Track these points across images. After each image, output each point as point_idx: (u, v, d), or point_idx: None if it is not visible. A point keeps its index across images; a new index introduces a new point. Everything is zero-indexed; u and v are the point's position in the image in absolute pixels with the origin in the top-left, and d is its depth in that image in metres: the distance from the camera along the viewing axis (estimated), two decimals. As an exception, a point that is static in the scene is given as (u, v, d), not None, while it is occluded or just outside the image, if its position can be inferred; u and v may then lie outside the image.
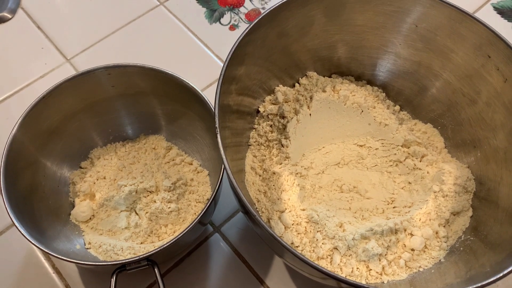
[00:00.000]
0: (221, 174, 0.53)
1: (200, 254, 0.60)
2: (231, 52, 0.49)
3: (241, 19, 0.80)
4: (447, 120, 0.60)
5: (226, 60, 0.48)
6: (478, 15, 0.52)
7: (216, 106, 0.46)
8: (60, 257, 0.48)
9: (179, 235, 0.49)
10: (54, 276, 0.59)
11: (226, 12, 0.81)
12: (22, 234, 0.49)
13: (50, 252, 0.48)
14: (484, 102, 0.55)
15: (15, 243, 0.61)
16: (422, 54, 0.58)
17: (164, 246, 0.48)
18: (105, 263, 0.50)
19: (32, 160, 0.56)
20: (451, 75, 0.58)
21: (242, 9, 0.81)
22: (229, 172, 0.43)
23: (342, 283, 0.41)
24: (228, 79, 0.49)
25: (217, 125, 0.45)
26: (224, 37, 0.78)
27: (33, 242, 0.48)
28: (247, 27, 0.50)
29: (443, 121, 0.60)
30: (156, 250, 0.48)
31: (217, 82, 0.73)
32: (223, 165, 0.52)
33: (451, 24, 0.54)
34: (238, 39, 0.49)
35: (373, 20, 0.58)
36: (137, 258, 0.48)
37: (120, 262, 0.48)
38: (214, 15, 0.80)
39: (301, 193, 0.55)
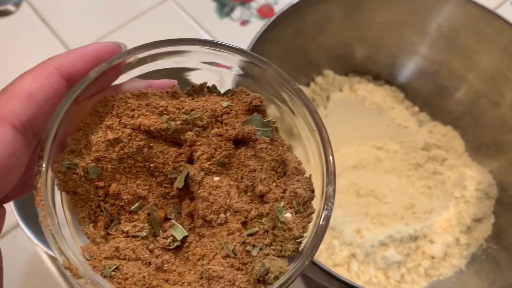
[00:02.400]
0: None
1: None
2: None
3: (253, 14, 0.78)
4: (468, 123, 0.58)
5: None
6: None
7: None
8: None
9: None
10: (60, 280, 0.57)
11: (236, 6, 0.78)
12: (27, 235, 0.47)
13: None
14: (508, 105, 0.53)
15: (19, 245, 0.58)
16: (444, 54, 0.56)
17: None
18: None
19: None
20: (474, 77, 0.55)
21: (253, 4, 0.79)
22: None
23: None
24: (245, 78, 0.47)
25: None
26: (235, 33, 0.76)
27: (38, 244, 0.47)
28: (265, 24, 0.48)
29: (463, 123, 0.59)
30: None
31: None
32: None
33: (475, 23, 0.52)
34: (255, 37, 0.47)
35: (394, 18, 0.56)
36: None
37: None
38: (224, 10, 0.78)
39: (317, 197, 0.53)
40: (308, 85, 0.59)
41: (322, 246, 0.50)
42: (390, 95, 0.59)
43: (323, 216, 0.22)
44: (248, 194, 0.24)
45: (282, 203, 0.23)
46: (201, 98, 0.24)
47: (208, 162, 0.23)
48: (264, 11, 0.78)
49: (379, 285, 0.50)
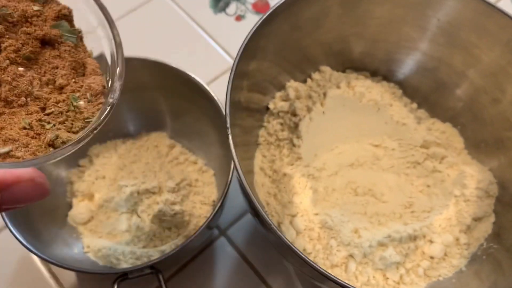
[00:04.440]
0: (231, 176, 0.49)
1: (205, 258, 0.57)
2: (243, 45, 0.45)
3: (248, 9, 0.76)
4: (467, 119, 0.57)
5: (238, 54, 0.44)
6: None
7: (227, 103, 0.43)
8: (58, 263, 0.45)
9: (186, 241, 0.45)
10: (51, 281, 0.56)
11: (231, 1, 0.77)
12: (17, 238, 0.46)
13: (47, 259, 0.45)
14: (509, 102, 0.52)
15: (8, 245, 0.57)
16: (444, 49, 0.55)
17: (170, 254, 0.45)
18: (106, 272, 0.46)
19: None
20: (474, 72, 0.54)
21: (248, -1, 0.77)
22: (240, 173, 0.40)
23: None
24: (240, 74, 0.46)
25: (228, 125, 0.41)
26: (230, 28, 0.74)
27: (28, 247, 0.45)
28: (261, 18, 0.47)
29: (462, 120, 0.57)
30: (161, 258, 0.45)
31: (223, 76, 0.70)
32: (232, 166, 0.49)
33: (477, 18, 0.50)
34: (250, 31, 0.46)
35: (392, 12, 0.54)
36: (140, 266, 0.45)
37: (122, 270, 0.45)
38: (219, 5, 0.76)
39: (314, 196, 0.52)
40: (304, 81, 0.58)
41: (319, 246, 0.49)
42: (388, 91, 0.58)
43: (108, 103, 0.28)
44: (50, 87, 0.28)
45: (78, 94, 0.28)
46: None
47: (14, 54, 0.26)
48: (260, 6, 0.76)
49: (377, 286, 0.49)
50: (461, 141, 0.57)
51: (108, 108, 0.28)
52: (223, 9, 0.76)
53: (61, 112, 0.27)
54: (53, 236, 0.52)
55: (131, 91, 0.58)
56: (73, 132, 0.27)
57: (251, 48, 0.47)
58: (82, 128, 0.28)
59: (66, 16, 0.28)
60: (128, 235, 0.54)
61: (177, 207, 0.54)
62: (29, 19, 0.27)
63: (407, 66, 0.59)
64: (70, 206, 0.56)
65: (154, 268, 0.46)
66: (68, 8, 0.28)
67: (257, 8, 0.76)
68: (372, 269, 0.49)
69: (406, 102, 0.59)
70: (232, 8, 0.76)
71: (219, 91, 0.54)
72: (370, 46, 0.58)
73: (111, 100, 0.28)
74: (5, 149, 0.25)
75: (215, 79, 0.69)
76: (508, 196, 0.52)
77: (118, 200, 0.55)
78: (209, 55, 0.72)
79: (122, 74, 0.29)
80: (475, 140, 0.56)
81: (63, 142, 0.26)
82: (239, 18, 0.75)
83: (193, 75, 0.54)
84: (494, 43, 0.51)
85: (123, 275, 0.45)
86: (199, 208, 0.56)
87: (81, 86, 0.28)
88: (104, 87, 0.29)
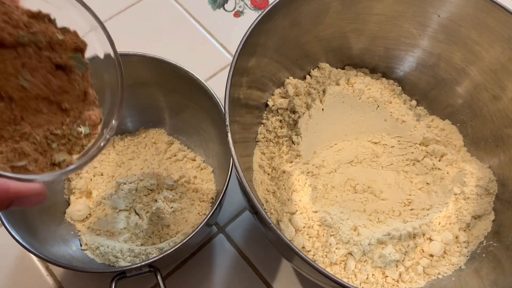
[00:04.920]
0: (229, 173, 0.49)
1: (203, 255, 0.57)
2: (243, 42, 0.45)
3: (247, 5, 0.75)
4: (467, 116, 0.57)
5: (237, 50, 0.44)
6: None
7: (227, 100, 0.42)
8: (55, 262, 0.45)
9: (184, 239, 0.45)
10: (48, 279, 0.55)
11: (230, -3, 0.76)
12: (13, 237, 0.45)
13: (44, 257, 0.45)
14: (509, 99, 0.52)
15: (5, 242, 0.56)
16: (443, 46, 0.55)
17: (168, 252, 0.45)
18: (105, 271, 0.46)
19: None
20: (474, 69, 0.54)
21: (247, -6, 0.77)
22: (239, 171, 0.40)
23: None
24: (239, 71, 0.45)
25: (227, 123, 0.41)
26: (229, 24, 0.74)
27: (25, 245, 0.45)
28: (260, 14, 0.46)
29: (462, 117, 0.57)
30: (159, 257, 0.44)
31: (221, 73, 0.70)
32: (231, 163, 0.49)
33: (477, 14, 0.50)
34: (250, 28, 0.45)
35: (392, 8, 0.54)
36: (138, 264, 0.44)
37: (120, 269, 0.44)
38: (217, 1, 0.76)
39: (313, 193, 0.52)
40: (304, 78, 0.58)
41: (318, 244, 0.49)
42: (387, 88, 0.58)
43: (103, 138, 0.31)
44: (55, 106, 0.30)
45: (79, 121, 0.31)
46: (42, 24, 0.30)
47: (34, 72, 0.29)
48: (258, 2, 0.76)
49: (376, 284, 0.48)
50: (460, 139, 0.57)
51: (103, 144, 0.31)
52: (221, 5, 0.76)
53: (64, 135, 0.30)
54: (51, 233, 0.52)
55: (129, 88, 0.57)
56: (71, 154, 0.31)
57: (251, 45, 0.46)
58: (78, 152, 0.31)
59: (81, 50, 0.31)
60: (126, 232, 0.53)
61: (175, 205, 0.54)
62: (52, 46, 0.30)
63: (406, 62, 0.58)
64: (67, 203, 0.56)
65: (153, 266, 0.46)
66: (85, 43, 0.31)
67: (256, 4, 0.75)
68: (371, 267, 0.49)
69: (406, 99, 0.59)
70: (231, 4, 0.76)
71: (217, 88, 0.54)
72: (370, 42, 0.58)
73: (108, 136, 0.31)
74: (23, 162, 0.28)
75: (213, 75, 0.69)
76: (508, 193, 0.52)
77: (116, 197, 0.54)
78: (207, 52, 0.71)
79: (120, 115, 0.32)
80: (474, 137, 0.56)
81: (67, 165, 0.30)
82: (237, 14, 0.75)
83: (191, 72, 0.54)
84: (495, 40, 0.50)
85: (121, 274, 0.45)
86: (197, 205, 0.55)
87: (81, 113, 0.31)
88: (100, 119, 0.32)
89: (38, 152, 0.29)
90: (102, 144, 0.31)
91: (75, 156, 0.31)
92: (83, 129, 0.31)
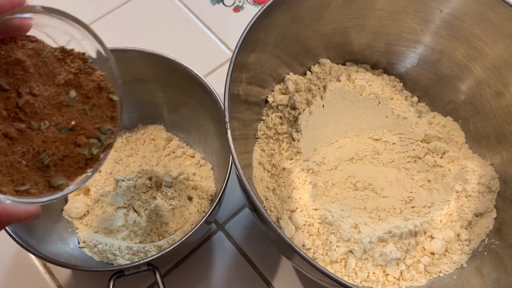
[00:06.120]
0: (229, 170, 0.48)
1: (202, 253, 0.56)
2: (242, 37, 0.44)
3: (246, 0, 0.75)
4: (469, 113, 0.56)
5: (237, 46, 0.43)
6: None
7: (226, 96, 0.42)
8: (53, 260, 0.44)
9: (183, 237, 0.45)
10: (46, 277, 0.55)
11: (229, -8, 0.75)
12: (10, 235, 0.45)
13: (41, 256, 0.44)
14: (512, 95, 0.51)
15: (3, 240, 0.56)
16: (446, 42, 0.54)
17: (167, 251, 0.44)
18: (103, 269, 0.45)
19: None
20: (477, 65, 0.53)
21: (246, -11, 0.76)
22: (239, 168, 0.39)
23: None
24: (239, 66, 0.45)
25: (227, 119, 0.40)
26: (228, 19, 0.73)
27: (22, 244, 0.44)
28: (260, 9, 0.46)
29: (464, 114, 0.56)
30: (158, 255, 0.44)
31: (220, 68, 0.69)
32: (231, 160, 0.49)
33: (481, 9, 0.49)
34: (250, 23, 0.45)
35: (394, 3, 0.53)
36: (137, 263, 0.44)
37: (119, 267, 0.44)
38: (217, -5, 0.75)
39: (313, 191, 0.51)
40: (304, 74, 0.57)
41: (318, 242, 0.48)
42: (388, 85, 0.57)
43: (95, 170, 0.33)
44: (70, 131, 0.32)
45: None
46: (70, 63, 0.32)
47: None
48: (258, -3, 0.75)
49: (377, 282, 0.48)
50: (462, 136, 0.56)
51: (91, 174, 0.33)
52: (221, 0, 0.75)
53: (64, 157, 0.32)
54: (48, 231, 0.51)
55: (127, 84, 0.56)
56: (67, 177, 0.32)
57: (250, 40, 0.46)
58: (77, 176, 0.32)
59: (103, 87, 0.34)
60: (125, 229, 0.53)
61: (174, 202, 0.53)
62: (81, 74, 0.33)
63: (408, 58, 0.58)
64: (65, 201, 0.55)
65: (151, 265, 0.45)
66: (103, 75, 0.34)
67: (256, -1, 0.74)
68: (372, 265, 0.48)
69: (407, 95, 0.58)
70: (230, -1, 0.75)
71: (216, 84, 0.53)
72: (371, 38, 0.57)
73: (97, 167, 0.33)
74: (26, 186, 0.29)
75: (212, 71, 0.68)
76: (510, 191, 0.51)
77: (114, 194, 0.54)
78: (206, 47, 0.70)
79: (108, 154, 0.33)
80: (476, 134, 0.56)
81: (64, 188, 0.31)
82: (237, 9, 0.74)
83: (190, 67, 0.53)
84: (498, 36, 0.50)
85: (120, 272, 0.45)
86: (196, 202, 0.55)
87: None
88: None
89: (37, 175, 0.30)
90: (90, 175, 0.33)
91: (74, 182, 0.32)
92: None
